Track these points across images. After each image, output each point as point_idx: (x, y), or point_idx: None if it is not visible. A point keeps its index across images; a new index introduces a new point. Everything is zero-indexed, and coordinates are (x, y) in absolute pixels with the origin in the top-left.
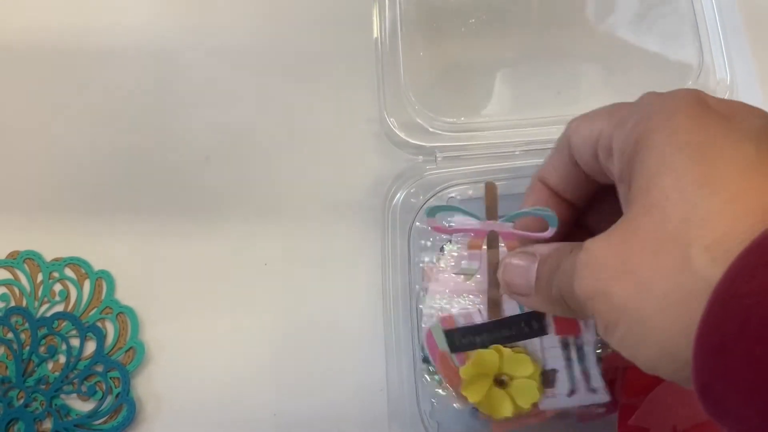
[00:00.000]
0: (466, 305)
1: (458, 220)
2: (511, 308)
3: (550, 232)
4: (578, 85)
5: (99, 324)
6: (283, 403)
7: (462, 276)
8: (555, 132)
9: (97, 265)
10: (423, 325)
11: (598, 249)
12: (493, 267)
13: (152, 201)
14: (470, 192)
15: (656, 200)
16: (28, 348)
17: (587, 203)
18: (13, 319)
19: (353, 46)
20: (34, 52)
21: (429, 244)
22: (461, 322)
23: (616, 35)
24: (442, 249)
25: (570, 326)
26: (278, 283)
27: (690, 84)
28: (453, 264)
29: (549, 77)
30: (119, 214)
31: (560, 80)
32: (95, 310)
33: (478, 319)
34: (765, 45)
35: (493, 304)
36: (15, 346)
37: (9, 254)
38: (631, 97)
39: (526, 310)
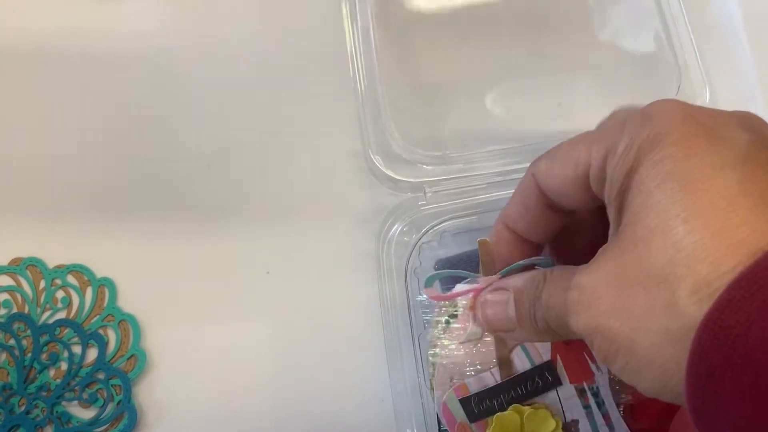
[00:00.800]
0: (478, 371)
1: (458, 287)
2: (522, 365)
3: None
4: (572, 109)
5: (101, 331)
6: (286, 411)
7: (470, 342)
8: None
9: (100, 273)
10: (437, 403)
11: (590, 286)
12: None
13: (155, 209)
14: (468, 220)
15: (643, 236)
16: (29, 355)
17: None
18: (15, 326)
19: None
20: (37, 58)
21: (430, 313)
22: (475, 388)
23: (603, 52)
24: (447, 322)
25: (583, 373)
26: (280, 292)
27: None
28: (458, 335)
29: (539, 101)
30: (122, 222)
31: (551, 104)
32: (97, 317)
33: (492, 382)
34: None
35: (504, 362)
36: (17, 353)
37: (12, 261)
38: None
39: (537, 362)
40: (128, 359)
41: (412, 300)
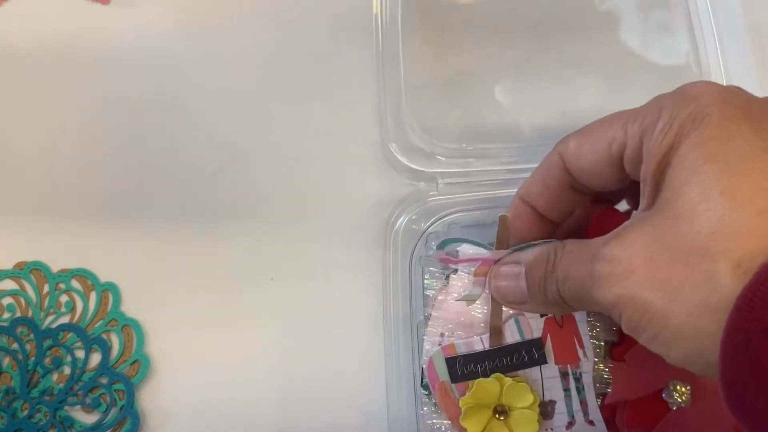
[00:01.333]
0: (469, 334)
1: (466, 250)
2: (512, 337)
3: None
4: (585, 107)
5: (104, 336)
6: (288, 418)
7: (465, 302)
8: None
9: (104, 277)
10: (424, 357)
11: (624, 257)
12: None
13: (160, 214)
14: (477, 214)
15: (684, 211)
16: (33, 359)
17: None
18: (19, 330)
19: (355, 70)
20: (45, 61)
21: (435, 272)
22: (463, 350)
23: (619, 51)
24: (447, 278)
25: (570, 356)
26: (284, 298)
27: None
28: (456, 293)
29: (558, 100)
30: (126, 227)
31: (571, 104)
32: (101, 322)
33: (480, 347)
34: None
35: (496, 331)
36: (20, 357)
37: (16, 265)
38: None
39: (528, 338)
40: (131, 364)
41: (414, 288)
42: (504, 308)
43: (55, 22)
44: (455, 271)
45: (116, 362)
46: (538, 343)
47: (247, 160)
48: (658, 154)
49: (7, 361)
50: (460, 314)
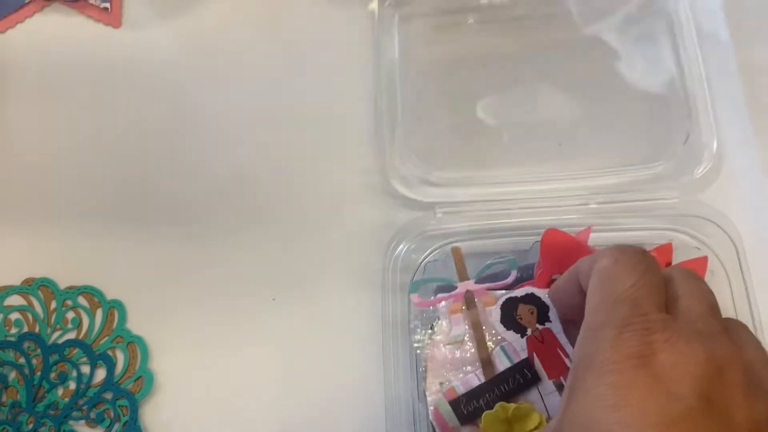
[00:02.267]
0: (466, 373)
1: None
2: (502, 363)
3: (512, 277)
4: (580, 140)
5: (109, 352)
6: None
7: (453, 345)
8: (553, 187)
9: (110, 295)
10: (430, 407)
11: None
12: (477, 326)
13: (166, 234)
14: (475, 243)
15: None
16: (39, 374)
17: None
18: (26, 345)
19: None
20: (56, 82)
21: (418, 325)
22: (462, 390)
23: (614, 75)
24: (432, 327)
25: (560, 368)
26: (285, 318)
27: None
28: (443, 339)
29: (550, 131)
30: (133, 246)
31: (561, 134)
32: (106, 338)
33: (476, 382)
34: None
35: (486, 363)
36: (26, 371)
37: (24, 281)
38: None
39: (516, 361)
40: (135, 380)
41: (413, 316)
42: (487, 338)
43: (67, 43)
44: (437, 319)
45: (121, 378)
46: (527, 363)
47: (252, 182)
48: (575, 363)
49: (13, 375)
50: (451, 358)
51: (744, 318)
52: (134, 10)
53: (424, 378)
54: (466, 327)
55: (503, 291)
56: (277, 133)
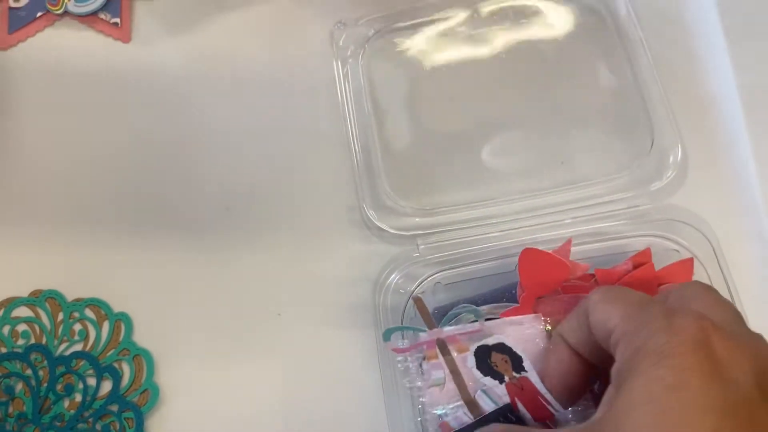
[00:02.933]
0: (456, 408)
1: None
2: (486, 405)
3: (478, 325)
4: (551, 158)
5: (116, 365)
6: None
7: (438, 387)
8: (529, 205)
9: (117, 307)
10: None
11: None
12: (455, 372)
13: (173, 247)
14: (460, 271)
15: None
16: (45, 385)
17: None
18: (33, 356)
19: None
20: (65, 97)
21: (408, 366)
22: (455, 425)
23: (582, 103)
24: (421, 366)
25: (542, 413)
26: (291, 334)
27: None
28: (429, 380)
29: (521, 153)
30: (140, 259)
31: (545, 158)
32: (113, 351)
33: (467, 420)
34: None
35: (470, 404)
36: (33, 383)
37: (32, 292)
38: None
39: (500, 404)
40: (141, 393)
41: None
42: (467, 380)
43: (78, 57)
44: (424, 358)
45: (126, 391)
46: (510, 408)
47: (259, 197)
48: (620, 368)
49: (20, 386)
50: (439, 396)
51: None
52: (144, 26)
53: (422, 411)
54: (445, 372)
55: (473, 337)
56: (282, 149)
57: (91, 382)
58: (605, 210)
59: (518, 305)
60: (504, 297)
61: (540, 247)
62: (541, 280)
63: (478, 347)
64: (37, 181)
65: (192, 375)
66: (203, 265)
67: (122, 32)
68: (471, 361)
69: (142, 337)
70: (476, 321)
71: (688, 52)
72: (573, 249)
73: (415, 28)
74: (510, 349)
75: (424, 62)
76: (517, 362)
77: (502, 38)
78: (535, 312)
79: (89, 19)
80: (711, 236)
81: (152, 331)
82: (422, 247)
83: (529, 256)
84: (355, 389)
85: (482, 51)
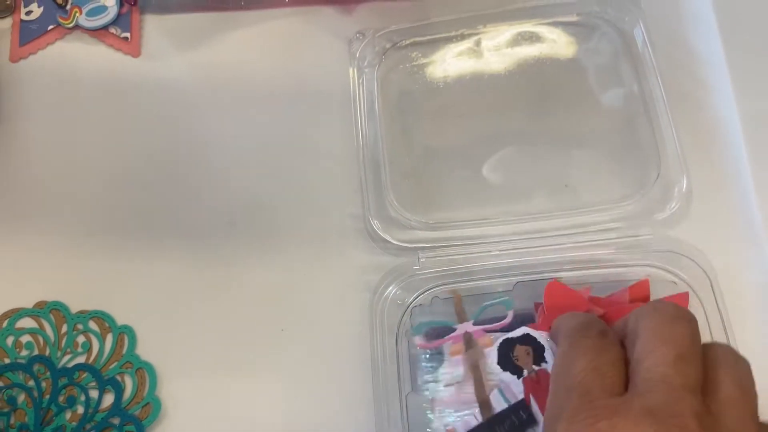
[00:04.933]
0: (465, 415)
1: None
2: (498, 404)
3: (509, 317)
4: (557, 182)
5: (118, 378)
6: None
7: (455, 387)
8: (532, 227)
9: (121, 320)
10: None
11: None
12: (474, 367)
13: (177, 261)
14: (459, 287)
15: None
16: (48, 397)
17: None
18: (36, 368)
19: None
20: (74, 109)
21: (426, 364)
22: (462, 430)
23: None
24: (434, 368)
25: None
26: (293, 349)
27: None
28: (446, 381)
29: (528, 175)
30: (145, 272)
31: (545, 176)
32: (116, 363)
33: (474, 422)
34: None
35: (484, 404)
36: (35, 394)
37: (36, 304)
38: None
39: (513, 402)
40: (143, 407)
41: (401, 359)
42: (485, 379)
43: (87, 71)
44: (442, 362)
45: (129, 404)
46: (523, 405)
47: (264, 211)
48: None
49: (22, 397)
50: (452, 399)
51: None
52: (153, 41)
53: (430, 418)
54: (465, 368)
55: (500, 332)
56: (288, 163)
57: (94, 394)
58: (606, 237)
59: (536, 323)
60: (497, 319)
61: (539, 270)
62: (559, 308)
63: (504, 340)
64: (44, 193)
65: (194, 389)
66: (208, 279)
67: (132, 47)
68: (493, 356)
69: (145, 351)
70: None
71: (695, 78)
72: (570, 274)
73: (430, 44)
74: (535, 339)
75: (436, 78)
76: (539, 353)
77: (513, 58)
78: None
79: (100, 33)
80: (709, 270)
81: (155, 345)
82: (423, 260)
83: (555, 289)
84: (356, 405)
85: (493, 70)
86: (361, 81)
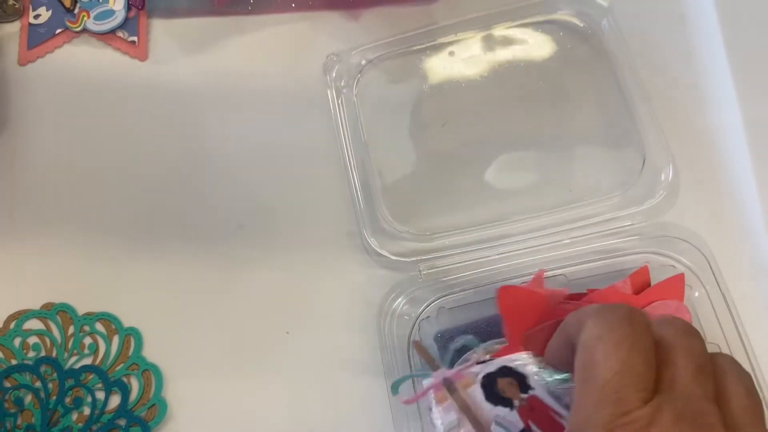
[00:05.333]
0: None
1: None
2: None
3: (478, 353)
4: (557, 186)
5: (124, 379)
6: None
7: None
8: (528, 226)
9: (127, 322)
10: None
11: None
12: (466, 409)
13: (185, 264)
14: (464, 294)
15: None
16: (54, 398)
17: None
18: (43, 369)
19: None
20: (81, 113)
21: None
22: None
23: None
24: (431, 411)
25: (557, 429)
26: (299, 352)
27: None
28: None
29: (519, 175)
30: (151, 274)
31: (533, 181)
32: (122, 365)
33: None
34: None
35: None
36: (42, 395)
37: (44, 305)
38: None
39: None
40: (149, 408)
41: (414, 368)
42: (479, 416)
43: (95, 74)
44: (430, 410)
45: (135, 405)
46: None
47: (269, 216)
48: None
49: (29, 398)
50: None
51: (728, 330)
52: (160, 46)
53: None
54: (457, 412)
55: (477, 369)
56: (293, 170)
57: (100, 395)
58: (602, 229)
59: (507, 345)
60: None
61: (541, 268)
62: (523, 315)
63: (484, 377)
64: (51, 195)
65: (200, 391)
66: (214, 281)
67: (139, 50)
68: (479, 394)
69: (151, 352)
70: (479, 352)
71: (681, 76)
72: (573, 269)
73: (407, 56)
74: (513, 370)
75: (416, 89)
76: (523, 382)
77: (493, 62)
78: (525, 348)
79: (107, 36)
80: (706, 251)
81: (162, 347)
82: (425, 272)
83: (507, 293)
84: (361, 408)
85: (474, 75)
86: (340, 100)
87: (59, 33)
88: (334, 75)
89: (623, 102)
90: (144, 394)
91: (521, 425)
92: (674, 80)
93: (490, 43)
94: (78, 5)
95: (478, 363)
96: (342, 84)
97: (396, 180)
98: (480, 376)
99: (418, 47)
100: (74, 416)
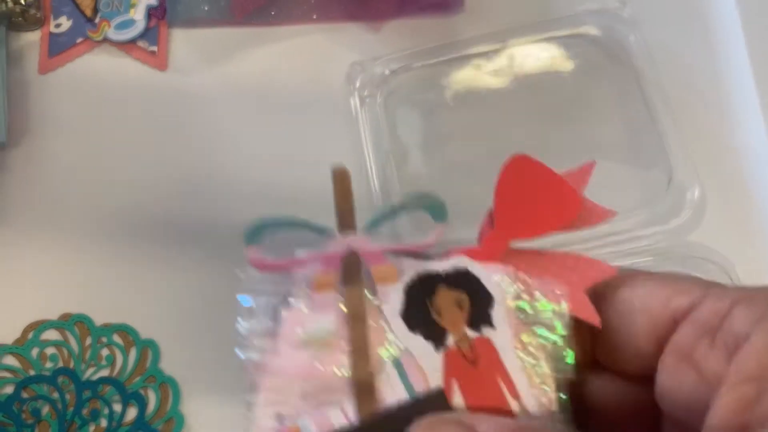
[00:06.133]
0: (321, 403)
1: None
2: (393, 393)
3: (437, 232)
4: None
5: (142, 392)
6: None
7: (313, 349)
8: (552, 241)
9: (145, 334)
10: None
11: None
12: (357, 318)
13: (202, 276)
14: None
15: None
16: (72, 409)
17: None
18: (60, 380)
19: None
20: (99, 122)
21: (254, 307)
22: None
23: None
24: (275, 313)
25: (497, 411)
26: None
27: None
28: (294, 337)
29: None
30: (169, 286)
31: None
32: (139, 377)
33: (341, 420)
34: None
35: (364, 389)
36: (59, 406)
37: (61, 316)
38: None
39: (420, 392)
40: (166, 422)
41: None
42: (374, 343)
43: (114, 83)
44: (285, 301)
45: (152, 418)
46: (439, 400)
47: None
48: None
49: (46, 409)
50: (304, 373)
51: None
52: (180, 55)
53: (250, 403)
54: (337, 319)
55: (415, 259)
56: (311, 181)
57: (117, 408)
58: (625, 248)
59: (477, 246)
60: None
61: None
62: (527, 215)
63: (420, 276)
64: (69, 205)
65: (217, 405)
66: (231, 295)
67: (159, 60)
68: (395, 301)
69: (168, 365)
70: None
71: (707, 93)
72: None
73: (431, 67)
74: (477, 281)
75: (439, 100)
76: (481, 309)
77: (518, 75)
78: (505, 262)
79: (127, 46)
80: (732, 272)
81: (179, 360)
82: None
83: (521, 168)
84: None
85: (498, 88)
86: (363, 110)
87: (80, 42)
88: (357, 84)
89: (649, 118)
90: (161, 407)
91: (434, 384)
92: (700, 98)
93: (514, 56)
94: (99, 15)
95: (418, 247)
96: (366, 93)
97: (417, 191)
98: (413, 271)
99: (443, 59)
100: (91, 428)
